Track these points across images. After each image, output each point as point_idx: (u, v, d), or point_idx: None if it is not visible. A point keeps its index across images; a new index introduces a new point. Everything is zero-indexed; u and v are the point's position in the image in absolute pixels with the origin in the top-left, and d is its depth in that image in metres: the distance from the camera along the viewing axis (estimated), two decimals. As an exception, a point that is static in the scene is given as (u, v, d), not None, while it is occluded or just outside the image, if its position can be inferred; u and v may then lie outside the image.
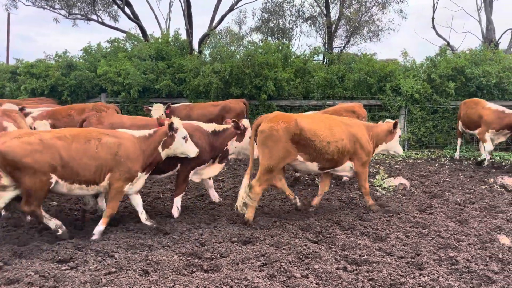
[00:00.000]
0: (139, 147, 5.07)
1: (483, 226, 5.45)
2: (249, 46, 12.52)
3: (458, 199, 6.75)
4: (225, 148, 6.01)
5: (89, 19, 16.60)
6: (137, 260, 4.12)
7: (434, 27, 20.44)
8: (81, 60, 13.68)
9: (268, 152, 5.33)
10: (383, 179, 7.67)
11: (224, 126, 6.16)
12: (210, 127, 6.03)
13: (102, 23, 16.68)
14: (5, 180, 4.40)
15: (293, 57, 13.19)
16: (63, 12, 16.56)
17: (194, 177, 5.96)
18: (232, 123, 5.97)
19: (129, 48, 14.09)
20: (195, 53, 13.10)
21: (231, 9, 16.99)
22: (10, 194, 4.52)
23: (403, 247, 4.70)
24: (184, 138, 5.27)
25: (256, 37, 19.07)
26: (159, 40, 14.00)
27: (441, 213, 6.05)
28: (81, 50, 13.87)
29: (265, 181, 5.41)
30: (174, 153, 5.35)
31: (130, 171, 4.94)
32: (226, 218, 5.64)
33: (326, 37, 17.44)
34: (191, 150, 5.35)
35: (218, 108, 10.06)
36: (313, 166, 5.66)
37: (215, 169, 6.13)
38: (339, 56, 14.65)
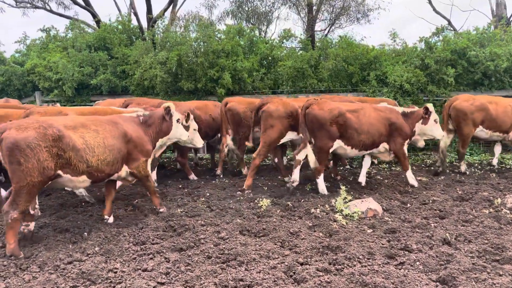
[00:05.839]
0: None
1: (478, 295, 3.37)
2: (202, 30, 10.40)
3: (447, 234, 4.65)
4: None
5: (36, 7, 14.75)
6: None
7: (430, 2, 17.64)
8: (16, 55, 11.78)
9: None
10: (345, 202, 5.59)
11: None
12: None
13: (51, 11, 14.81)
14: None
15: (260, 43, 11.01)
16: (10, 1, 14.75)
17: None
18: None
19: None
20: (140, 40, 11.06)
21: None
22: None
23: None
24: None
25: (230, 23, 16.93)
26: (107, 26, 11.94)
27: (417, 263, 3.96)
28: (16, 42, 11.96)
29: None
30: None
31: None
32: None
33: (307, 19, 15.20)
34: None
35: None
36: None
37: None
38: (320, 40, 12.42)
